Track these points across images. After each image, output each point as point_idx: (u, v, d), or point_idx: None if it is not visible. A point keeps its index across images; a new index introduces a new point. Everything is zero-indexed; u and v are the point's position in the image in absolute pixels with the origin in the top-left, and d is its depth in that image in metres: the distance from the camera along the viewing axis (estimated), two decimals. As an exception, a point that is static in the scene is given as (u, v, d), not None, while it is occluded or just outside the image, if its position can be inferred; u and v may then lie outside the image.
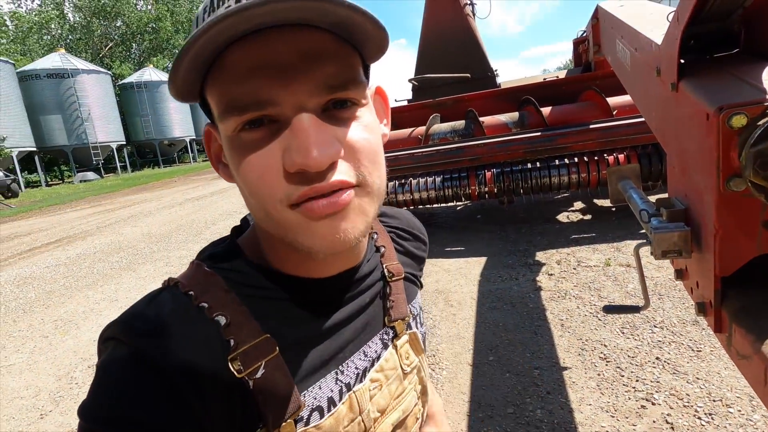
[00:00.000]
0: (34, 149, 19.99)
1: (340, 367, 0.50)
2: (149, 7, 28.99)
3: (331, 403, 0.47)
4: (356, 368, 0.51)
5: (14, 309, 3.85)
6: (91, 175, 21.57)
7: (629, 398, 1.76)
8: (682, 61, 0.82)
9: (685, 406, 1.68)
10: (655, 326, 2.22)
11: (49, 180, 23.00)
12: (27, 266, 5.32)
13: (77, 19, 27.83)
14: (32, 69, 21.00)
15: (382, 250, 0.59)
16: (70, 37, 28.44)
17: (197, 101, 0.42)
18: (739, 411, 1.62)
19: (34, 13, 27.81)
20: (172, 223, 7.07)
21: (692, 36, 0.82)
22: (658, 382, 1.81)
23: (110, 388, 0.38)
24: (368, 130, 0.41)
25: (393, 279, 0.57)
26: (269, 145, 0.37)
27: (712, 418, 1.60)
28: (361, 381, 0.51)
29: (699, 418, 1.61)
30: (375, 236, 0.60)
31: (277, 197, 0.38)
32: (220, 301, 0.43)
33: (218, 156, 0.46)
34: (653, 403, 1.71)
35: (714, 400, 1.68)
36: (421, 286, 0.68)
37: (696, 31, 0.80)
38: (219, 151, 0.46)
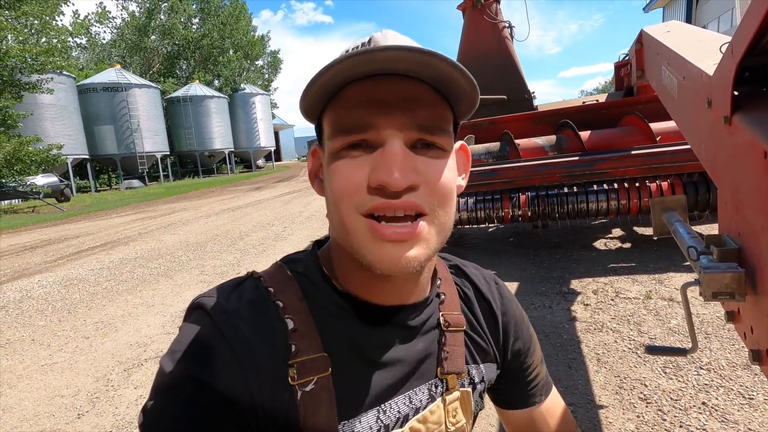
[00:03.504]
0: (87, 157, 21.36)
1: (383, 406, 0.49)
2: (195, 26, 30.73)
3: None
4: (399, 411, 0.50)
5: (60, 309, 4.07)
6: (136, 182, 22.75)
7: (671, 444, 1.64)
8: (736, 93, 0.79)
9: (734, 457, 1.55)
10: (701, 368, 2.07)
11: (98, 186, 24.41)
12: (74, 268, 5.62)
13: (130, 36, 29.82)
14: (90, 83, 22.62)
15: (443, 297, 0.57)
16: (123, 55, 30.46)
17: (315, 122, 0.50)
18: (798, 468, 1.48)
19: (92, 25, 29.99)
20: (208, 233, 7.30)
21: (747, 67, 0.79)
22: (704, 429, 1.68)
23: (188, 350, 0.44)
24: (447, 170, 0.45)
25: (449, 329, 0.55)
26: (360, 161, 0.43)
27: (766, 474, 1.47)
28: (401, 426, 0.50)
29: (750, 472, 1.48)
30: (439, 282, 0.59)
31: (353, 203, 0.43)
32: (294, 306, 0.48)
33: (316, 172, 0.53)
34: (698, 452, 1.59)
35: (768, 454, 1.55)
36: (499, 365, 0.62)
37: (752, 63, 0.77)
38: (317, 168, 0.52)
